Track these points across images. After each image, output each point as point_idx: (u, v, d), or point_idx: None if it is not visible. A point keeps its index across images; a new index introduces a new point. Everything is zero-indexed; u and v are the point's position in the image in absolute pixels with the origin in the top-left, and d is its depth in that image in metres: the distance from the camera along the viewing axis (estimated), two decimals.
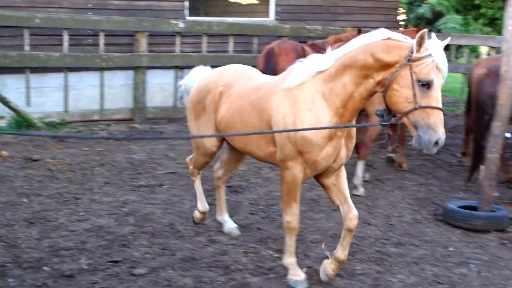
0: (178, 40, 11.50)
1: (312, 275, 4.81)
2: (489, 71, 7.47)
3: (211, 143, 5.35)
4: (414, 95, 3.92)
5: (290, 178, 4.51)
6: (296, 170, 4.46)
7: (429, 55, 3.90)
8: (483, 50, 22.16)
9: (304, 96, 4.35)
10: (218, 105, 5.05)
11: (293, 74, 4.46)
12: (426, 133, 3.92)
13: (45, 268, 4.73)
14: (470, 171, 7.57)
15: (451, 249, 5.62)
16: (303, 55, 9.63)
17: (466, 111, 8.99)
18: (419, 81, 3.90)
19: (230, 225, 5.73)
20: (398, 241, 5.73)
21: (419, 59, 3.91)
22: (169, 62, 11.50)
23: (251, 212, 6.32)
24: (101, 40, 10.71)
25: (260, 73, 5.33)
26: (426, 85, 3.90)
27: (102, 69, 10.80)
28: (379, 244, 5.59)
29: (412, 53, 3.91)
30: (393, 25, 15.45)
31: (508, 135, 10.42)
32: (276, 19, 13.69)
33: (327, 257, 5.13)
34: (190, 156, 5.76)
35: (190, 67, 11.73)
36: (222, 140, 5.37)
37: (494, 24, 16.11)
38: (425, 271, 5.04)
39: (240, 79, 5.06)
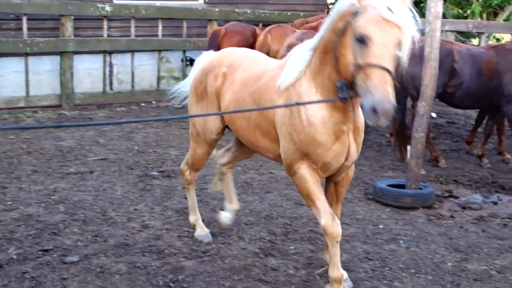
0: (105, 24, 11.27)
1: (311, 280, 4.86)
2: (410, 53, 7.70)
3: (215, 127, 4.84)
4: (354, 54, 3.48)
5: (301, 183, 4.06)
6: (305, 172, 4.01)
7: (371, 6, 3.42)
8: None
9: (300, 96, 3.95)
10: (221, 90, 4.63)
11: (287, 71, 4.06)
12: (366, 99, 3.42)
13: None
14: (400, 150, 7.78)
15: (381, 226, 5.78)
16: (253, 38, 9.53)
17: None
18: (355, 36, 3.44)
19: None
20: None
21: (359, 14, 3.45)
22: (97, 47, 11.27)
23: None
24: (24, 24, 10.38)
25: (265, 56, 4.93)
26: (362, 40, 3.39)
27: (26, 54, 10.47)
28: (312, 224, 5.68)
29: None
30: (322, 8, 15.66)
31: (434, 115, 10.82)
32: (206, 3, 13.61)
33: (261, 238, 5.23)
34: (184, 161, 5.32)
35: (119, 51, 11.73)
36: (225, 126, 4.86)
37: (420, 7, 16.58)
38: (356, 249, 5.17)
39: (244, 62, 4.62)
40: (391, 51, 3.42)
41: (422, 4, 15.07)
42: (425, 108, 6.40)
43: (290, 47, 8.14)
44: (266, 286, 4.36)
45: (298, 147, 3.97)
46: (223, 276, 4.50)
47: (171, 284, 4.32)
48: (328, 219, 3.97)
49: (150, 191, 6.44)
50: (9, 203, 5.92)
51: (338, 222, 4.04)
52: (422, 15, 7.38)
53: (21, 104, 10.61)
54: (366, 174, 7.56)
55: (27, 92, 10.62)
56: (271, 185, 6.85)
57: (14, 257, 4.67)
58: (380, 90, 3.34)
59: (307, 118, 3.91)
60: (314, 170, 4.03)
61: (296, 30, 9.76)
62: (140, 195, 6.31)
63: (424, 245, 5.35)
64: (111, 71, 11.79)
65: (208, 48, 8.71)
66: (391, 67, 3.40)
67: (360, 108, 3.82)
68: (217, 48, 8.85)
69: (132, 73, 11.77)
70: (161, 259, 4.74)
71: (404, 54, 3.55)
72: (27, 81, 10.57)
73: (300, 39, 8.36)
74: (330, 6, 24.37)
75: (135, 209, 5.87)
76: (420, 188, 6.53)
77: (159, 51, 12.21)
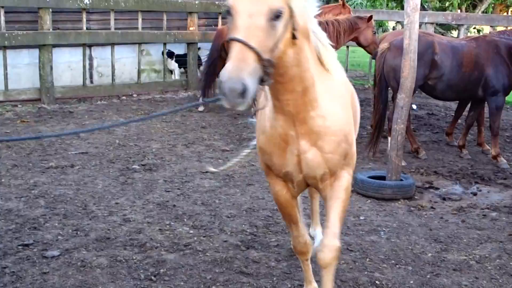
0: (84, 16, 11.20)
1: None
2: (391, 45, 7.76)
3: None
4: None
5: (274, 197, 3.76)
6: (275, 189, 3.64)
7: None
8: (390, 25, 22.84)
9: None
10: None
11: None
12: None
13: None
14: (373, 142, 7.76)
15: (362, 218, 5.82)
16: None
17: (374, 85, 9.30)
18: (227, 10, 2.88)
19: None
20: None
21: None
22: (76, 40, 11.19)
23: (166, 189, 6.30)
24: (2, 17, 10.26)
25: None
26: (229, 12, 2.82)
27: (4, 47, 10.36)
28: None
29: None
30: None
31: (414, 106, 10.89)
32: None
33: (243, 230, 5.25)
34: None
35: (99, 44, 11.67)
36: None
37: (399, 0, 16.74)
38: None
39: None
40: (259, 22, 2.77)
41: None
42: (405, 100, 6.44)
43: None
44: (247, 278, 4.38)
45: (260, 155, 3.62)
46: (204, 269, 4.51)
47: (153, 278, 4.32)
48: (296, 240, 3.85)
49: (131, 185, 6.43)
50: None
51: (308, 241, 3.88)
52: (402, 7, 7.41)
53: (0, 98, 10.51)
54: None
55: (6, 85, 10.52)
56: (252, 178, 6.87)
57: None
58: (229, 66, 2.66)
59: (261, 125, 3.49)
60: (283, 186, 3.61)
61: None
62: (121, 189, 6.28)
63: (405, 236, 5.40)
64: (91, 64, 11.74)
65: (212, 47, 8.58)
66: (253, 41, 2.72)
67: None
68: (221, 48, 8.64)
69: (113, 66, 11.71)
70: (143, 253, 4.74)
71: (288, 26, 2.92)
72: (5, 74, 10.47)
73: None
74: None
75: (116, 203, 5.85)
76: (401, 180, 6.58)
77: (139, 44, 12.17)
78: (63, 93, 11.16)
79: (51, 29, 10.79)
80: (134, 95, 11.95)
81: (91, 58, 11.71)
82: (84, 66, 11.42)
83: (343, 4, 10.65)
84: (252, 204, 6.01)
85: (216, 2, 13.15)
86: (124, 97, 11.71)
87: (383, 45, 8.00)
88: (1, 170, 6.75)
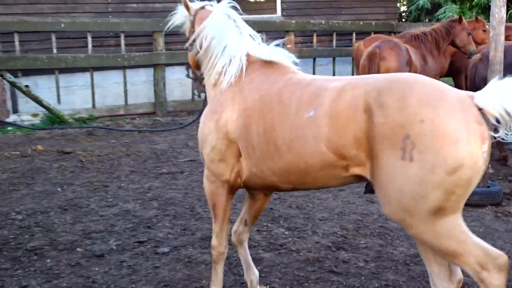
0: None
1: (321, 249, 4.89)
2: (483, 56, 7.49)
3: None
4: None
5: None
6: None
7: None
8: None
9: None
10: None
11: None
12: None
13: (78, 249, 4.82)
14: None
15: None
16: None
17: None
18: None
19: None
20: None
21: None
22: (186, 59, 11.51)
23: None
24: (122, 41, 10.81)
25: None
26: None
27: (124, 67, 10.91)
28: (382, 220, 5.63)
29: None
30: (393, 17, 15.42)
31: None
32: (283, 15, 13.71)
33: (334, 233, 5.24)
34: None
35: None
36: None
37: (487, 13, 16.15)
38: None
39: None
40: None
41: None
42: None
43: (370, 55, 8.01)
44: (337, 277, 4.37)
45: None
46: (297, 267, 4.53)
47: None
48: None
49: None
50: (110, 200, 6.18)
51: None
52: (488, 20, 7.13)
53: (121, 112, 11.06)
54: None
55: (126, 101, 11.06)
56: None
57: (114, 247, 4.87)
58: None
59: None
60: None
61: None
62: None
63: (491, 241, 5.18)
64: None
65: (355, 63, 8.11)
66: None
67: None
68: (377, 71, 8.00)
69: None
70: None
71: None
72: (125, 91, 11.01)
73: (378, 47, 8.22)
74: (402, 14, 24.01)
75: None
76: (488, 186, 6.34)
77: None
78: (175, 107, 11.57)
79: (164, 50, 11.24)
80: None
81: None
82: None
83: (476, 19, 10.17)
84: (343, 208, 5.98)
85: (311, 21, 13.18)
86: None
87: (476, 56, 7.78)
88: (121, 176, 7.10)
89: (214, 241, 3.83)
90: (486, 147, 2.73)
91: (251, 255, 4.71)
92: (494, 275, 2.84)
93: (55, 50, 10.25)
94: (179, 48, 11.76)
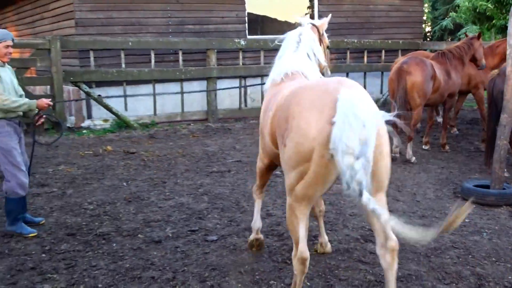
0: (240, 55, 11.63)
1: (350, 241, 4.83)
2: (500, 71, 7.29)
3: None
4: None
5: None
6: None
7: None
8: None
9: None
10: None
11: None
12: None
13: (140, 235, 4.90)
14: (488, 155, 7.33)
15: (467, 220, 5.49)
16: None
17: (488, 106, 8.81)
18: None
19: None
20: (423, 214, 5.65)
21: None
22: (234, 73, 11.64)
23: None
24: (180, 57, 10.96)
25: None
26: None
27: (181, 80, 11.04)
28: (406, 217, 5.52)
29: None
30: (418, 36, 15.15)
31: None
32: None
33: (362, 227, 5.16)
34: None
35: (251, 76, 12.03)
36: None
37: (504, 33, 15.73)
38: (444, 239, 4.96)
39: None
40: None
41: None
42: (507, 119, 6.03)
43: (398, 70, 7.87)
44: (364, 266, 4.31)
45: None
46: (329, 256, 4.48)
47: (288, 261, 4.34)
48: None
49: (273, 187, 6.54)
50: (167, 194, 6.26)
51: None
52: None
53: (178, 118, 11.19)
54: (455, 176, 7.22)
55: (182, 109, 11.18)
56: None
57: (170, 235, 4.93)
58: None
59: None
60: None
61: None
62: (266, 190, 6.37)
63: (505, 237, 5.04)
64: (245, 92, 12.12)
65: (396, 85, 8.01)
66: None
67: None
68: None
69: (262, 93, 12.01)
70: (281, 241, 4.80)
71: None
72: (182, 100, 11.13)
73: (405, 63, 8.07)
74: (427, 34, 23.54)
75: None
76: (503, 189, 6.16)
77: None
78: (224, 114, 11.64)
79: (215, 65, 11.33)
80: None
81: (245, 87, 12.12)
82: (240, 93, 11.84)
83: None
84: None
85: (345, 40, 13.07)
86: None
87: (494, 71, 7.59)
88: (177, 173, 7.18)
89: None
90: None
91: (287, 244, 4.71)
92: None
93: (123, 65, 10.46)
94: (229, 64, 11.86)
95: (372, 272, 4.20)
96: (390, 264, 3.31)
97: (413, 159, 7.97)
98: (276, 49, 12.91)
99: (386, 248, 3.30)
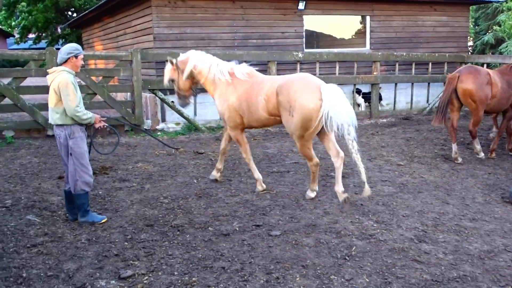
0: (298, 66, 11.47)
1: (415, 239, 4.59)
2: None
3: None
4: None
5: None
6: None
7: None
8: None
9: None
10: None
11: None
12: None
13: (210, 228, 4.85)
14: None
15: None
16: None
17: None
18: None
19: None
20: (473, 217, 5.33)
21: None
22: None
23: (355, 192, 6.15)
24: None
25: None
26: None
27: None
28: (457, 219, 5.23)
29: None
30: (464, 50, 14.52)
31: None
32: (371, 48, 13.29)
33: (415, 227, 4.89)
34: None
35: None
36: None
37: None
38: (496, 242, 4.64)
39: None
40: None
41: None
42: None
43: (451, 78, 7.60)
44: (420, 265, 4.07)
45: None
46: (385, 254, 4.28)
47: (346, 257, 4.20)
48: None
49: (329, 187, 6.35)
50: (233, 191, 6.19)
51: None
52: None
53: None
54: (502, 181, 6.79)
55: None
56: (422, 187, 6.42)
57: (237, 228, 4.85)
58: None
59: None
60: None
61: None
62: (322, 190, 6.21)
63: None
64: None
65: (445, 90, 7.84)
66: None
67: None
68: (452, 91, 7.72)
69: None
70: (339, 238, 4.63)
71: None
72: None
73: (459, 71, 7.76)
74: (469, 48, 22.54)
75: (319, 200, 5.82)
76: None
77: (337, 85, 12.11)
78: None
79: (276, 75, 11.21)
80: None
81: None
82: None
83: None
84: (423, 207, 5.61)
85: (394, 53, 12.66)
86: None
87: None
88: (241, 172, 7.10)
89: (245, 155, 6.17)
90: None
91: (345, 242, 4.53)
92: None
93: None
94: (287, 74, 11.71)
95: (428, 271, 3.95)
96: (340, 165, 5.55)
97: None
98: (330, 61, 12.67)
99: (338, 157, 5.56)
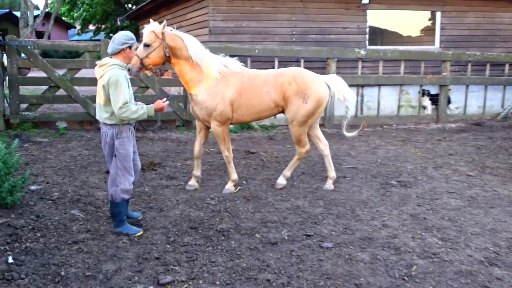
0: (359, 64, 11.10)
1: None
2: None
3: None
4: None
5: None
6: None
7: None
8: None
9: None
10: None
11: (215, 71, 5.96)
12: None
13: (257, 235, 4.67)
14: None
15: None
16: None
17: None
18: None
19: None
20: None
21: None
22: (352, 81, 11.11)
23: (418, 204, 5.78)
24: (302, 65, 10.68)
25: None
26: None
27: None
28: None
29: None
30: None
31: None
32: (441, 47, 12.66)
33: (486, 248, 4.50)
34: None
35: (368, 85, 11.46)
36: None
37: None
38: None
39: None
40: (140, 46, 5.34)
41: None
42: None
43: None
44: None
45: None
46: (451, 277, 3.92)
47: (405, 278, 3.88)
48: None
49: (389, 197, 6.03)
50: (284, 195, 5.99)
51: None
52: None
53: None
54: None
55: None
56: (494, 202, 5.94)
57: (285, 237, 4.63)
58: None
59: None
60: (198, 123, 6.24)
61: None
62: (381, 199, 5.93)
63: None
64: (362, 100, 11.58)
65: None
66: (137, 52, 5.24)
67: None
68: None
69: (378, 102, 11.40)
70: (398, 255, 4.30)
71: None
72: None
73: None
74: None
75: (377, 210, 5.51)
76: None
77: (401, 85, 11.64)
78: (340, 121, 11.15)
79: (334, 73, 10.89)
80: (394, 125, 11.47)
81: (362, 95, 11.56)
82: (357, 101, 11.31)
83: None
84: (495, 225, 5.16)
85: (467, 53, 11.98)
86: (385, 126, 11.31)
87: None
88: (293, 176, 6.89)
89: (228, 153, 6.06)
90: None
91: (405, 259, 4.23)
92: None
93: None
94: (347, 72, 11.38)
95: None
96: (328, 153, 6.39)
97: None
98: (395, 60, 12.20)
99: (325, 145, 6.39)
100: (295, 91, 5.80)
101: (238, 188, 6.13)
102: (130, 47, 4.49)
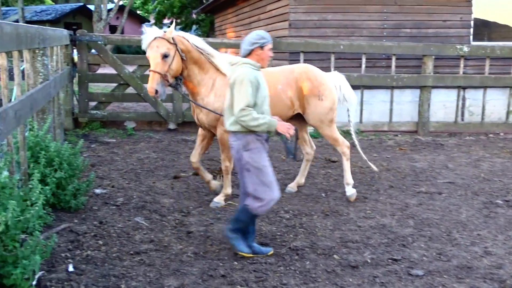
0: (462, 63, 10.58)
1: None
2: None
3: None
4: None
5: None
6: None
7: None
8: None
9: None
10: None
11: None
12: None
13: (335, 256, 4.54)
14: None
15: None
16: None
17: None
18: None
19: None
20: None
21: None
22: (452, 82, 10.64)
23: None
24: (393, 62, 10.38)
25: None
26: None
27: (392, 87, 10.46)
28: None
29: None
30: None
31: None
32: None
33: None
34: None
35: (472, 87, 10.89)
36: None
37: None
38: None
39: None
40: (156, 60, 5.20)
41: None
42: None
43: None
44: None
45: None
46: None
47: None
48: None
49: (494, 219, 5.66)
50: (368, 211, 5.81)
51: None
52: None
53: (385, 128, 10.64)
54: None
55: (390, 118, 10.61)
56: None
57: (368, 260, 4.47)
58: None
59: None
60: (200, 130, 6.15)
61: None
62: (484, 221, 5.58)
63: None
64: (463, 104, 11.03)
65: None
66: (157, 68, 5.19)
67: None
68: None
69: (483, 107, 10.81)
70: None
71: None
72: (391, 109, 10.56)
73: None
74: None
75: (478, 234, 5.18)
76: None
77: (511, 87, 10.95)
78: (436, 128, 10.73)
79: (431, 73, 10.48)
80: (501, 134, 10.80)
81: (464, 99, 11.01)
82: (457, 105, 10.80)
83: None
84: None
85: None
86: (491, 135, 10.69)
87: None
88: (380, 189, 6.68)
89: (229, 163, 5.84)
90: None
91: None
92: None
93: (332, 69, 10.25)
94: (446, 72, 10.90)
95: None
96: (311, 157, 6.69)
97: None
98: (505, 58, 11.54)
99: (312, 149, 6.67)
100: (310, 89, 5.97)
101: (228, 202, 5.93)
102: (261, 47, 4.36)
